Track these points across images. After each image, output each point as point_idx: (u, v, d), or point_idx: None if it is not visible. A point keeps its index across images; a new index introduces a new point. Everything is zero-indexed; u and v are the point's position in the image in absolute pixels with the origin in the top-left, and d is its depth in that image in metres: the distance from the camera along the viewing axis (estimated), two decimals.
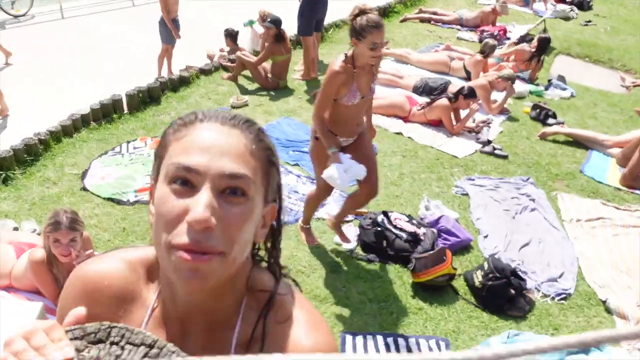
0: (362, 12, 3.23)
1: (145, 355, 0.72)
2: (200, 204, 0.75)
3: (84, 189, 4.55)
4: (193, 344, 0.88)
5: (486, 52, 7.30)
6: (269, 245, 0.95)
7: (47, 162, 4.93)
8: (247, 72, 6.82)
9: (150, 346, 0.73)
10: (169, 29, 6.84)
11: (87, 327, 0.74)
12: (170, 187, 0.78)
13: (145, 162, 4.88)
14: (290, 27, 6.97)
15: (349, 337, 3.39)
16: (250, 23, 7.68)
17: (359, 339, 3.38)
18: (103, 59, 7.66)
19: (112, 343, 0.73)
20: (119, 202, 4.39)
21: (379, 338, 3.41)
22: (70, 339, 0.72)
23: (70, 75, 7.07)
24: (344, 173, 3.35)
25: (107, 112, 5.70)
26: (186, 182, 0.77)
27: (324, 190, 3.74)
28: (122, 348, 0.72)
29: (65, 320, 0.75)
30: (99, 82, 6.68)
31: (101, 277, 0.92)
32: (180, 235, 0.75)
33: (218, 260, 0.76)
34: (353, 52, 3.34)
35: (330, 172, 3.35)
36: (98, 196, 4.46)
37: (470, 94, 6.02)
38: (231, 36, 7.34)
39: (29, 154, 4.86)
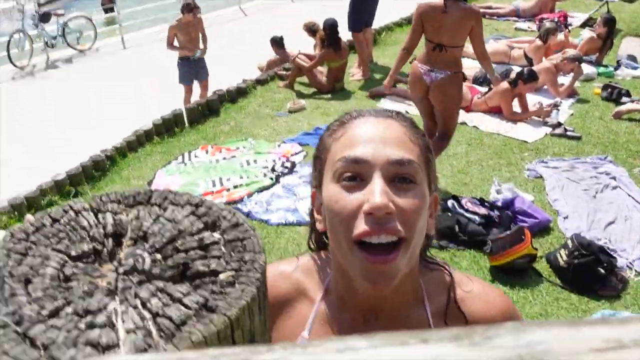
0: None
1: (191, 213, 0.62)
2: (376, 192, 0.74)
3: None
4: (380, 326, 0.87)
5: (544, 36, 6.99)
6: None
7: (115, 176, 5.04)
8: (303, 79, 6.81)
9: (197, 205, 0.63)
10: (181, 68, 6.56)
11: (125, 191, 0.65)
12: (340, 185, 0.78)
13: (207, 168, 4.91)
14: (344, 33, 6.91)
15: None
16: None
17: None
18: (162, 81, 7.85)
19: (152, 204, 0.64)
20: None
21: None
22: (106, 202, 0.63)
23: (132, 97, 7.29)
24: None
25: (169, 127, 5.81)
26: (355, 177, 0.78)
27: None
28: (165, 209, 0.63)
29: None
30: (159, 101, 6.84)
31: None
32: (359, 226, 0.74)
33: (401, 253, 0.75)
34: None
35: None
36: None
37: (530, 77, 5.74)
38: (276, 43, 7.45)
39: (97, 170, 4.99)
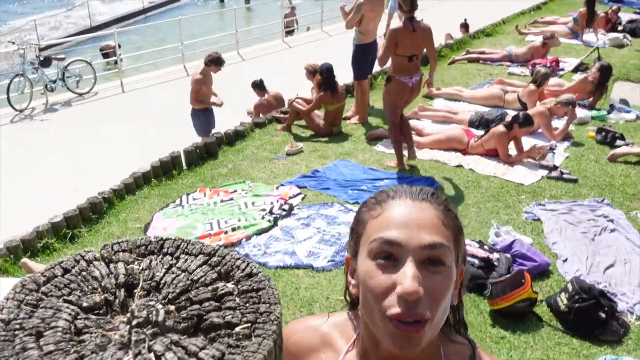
0: None
1: (204, 263, 0.61)
2: (408, 276, 0.81)
3: None
4: None
5: (539, 81, 7.11)
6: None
7: (112, 219, 5.01)
8: (301, 122, 6.88)
9: (210, 254, 0.63)
10: (203, 120, 6.80)
11: (137, 240, 0.64)
12: (375, 263, 0.85)
13: (205, 211, 4.89)
14: (340, 76, 7.02)
15: None
16: None
17: None
18: (160, 124, 7.92)
19: (164, 254, 0.63)
20: None
21: None
22: (118, 251, 0.63)
23: (130, 140, 7.33)
24: None
25: (167, 169, 5.82)
26: (389, 256, 0.84)
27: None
28: (177, 258, 0.62)
29: None
30: (156, 144, 6.88)
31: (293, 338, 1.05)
32: (393, 307, 0.81)
33: (427, 328, 0.82)
34: None
35: None
36: None
37: (526, 122, 5.81)
38: (257, 86, 7.78)
39: (94, 212, 4.97)
